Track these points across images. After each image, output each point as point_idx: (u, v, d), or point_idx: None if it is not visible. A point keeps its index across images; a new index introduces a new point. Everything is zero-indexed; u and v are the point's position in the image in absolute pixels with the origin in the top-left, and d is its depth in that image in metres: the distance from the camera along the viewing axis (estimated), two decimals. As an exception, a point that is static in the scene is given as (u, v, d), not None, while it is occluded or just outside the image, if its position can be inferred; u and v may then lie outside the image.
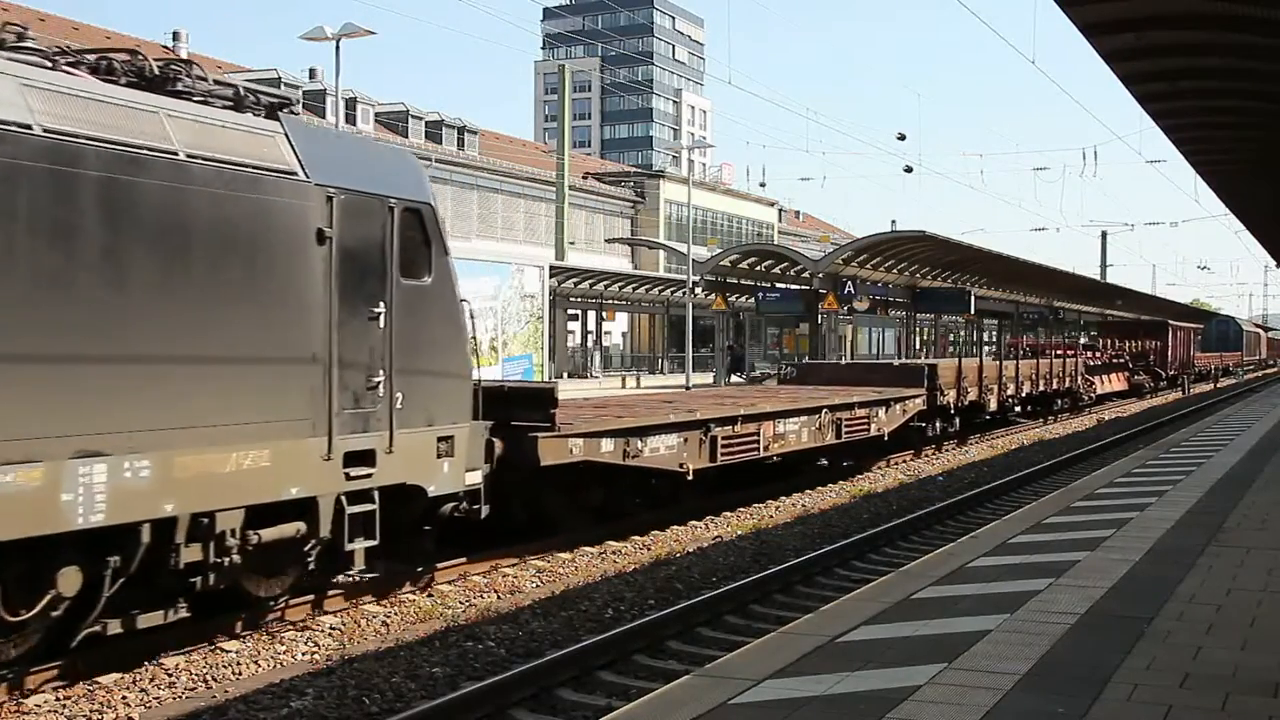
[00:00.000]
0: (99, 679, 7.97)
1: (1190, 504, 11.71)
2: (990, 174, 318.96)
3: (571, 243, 66.46)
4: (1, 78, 7.20)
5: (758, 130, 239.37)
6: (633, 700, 6.05)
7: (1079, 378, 35.33)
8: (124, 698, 7.67)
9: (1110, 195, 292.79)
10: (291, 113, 9.45)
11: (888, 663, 5.94)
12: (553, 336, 41.03)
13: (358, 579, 9.86)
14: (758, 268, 44.65)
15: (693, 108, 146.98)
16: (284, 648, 8.87)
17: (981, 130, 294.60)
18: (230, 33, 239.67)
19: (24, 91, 7.26)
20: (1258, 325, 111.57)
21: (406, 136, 64.91)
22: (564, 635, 9.27)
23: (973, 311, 50.69)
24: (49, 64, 7.92)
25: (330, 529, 9.11)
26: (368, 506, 9.42)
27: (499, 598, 10.71)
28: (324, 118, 56.73)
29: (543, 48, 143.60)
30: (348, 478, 9.22)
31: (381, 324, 9.54)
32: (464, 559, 11.44)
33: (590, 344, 62.50)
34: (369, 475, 9.40)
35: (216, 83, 8.98)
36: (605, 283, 55.03)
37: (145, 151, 7.78)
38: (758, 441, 15.83)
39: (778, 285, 45.91)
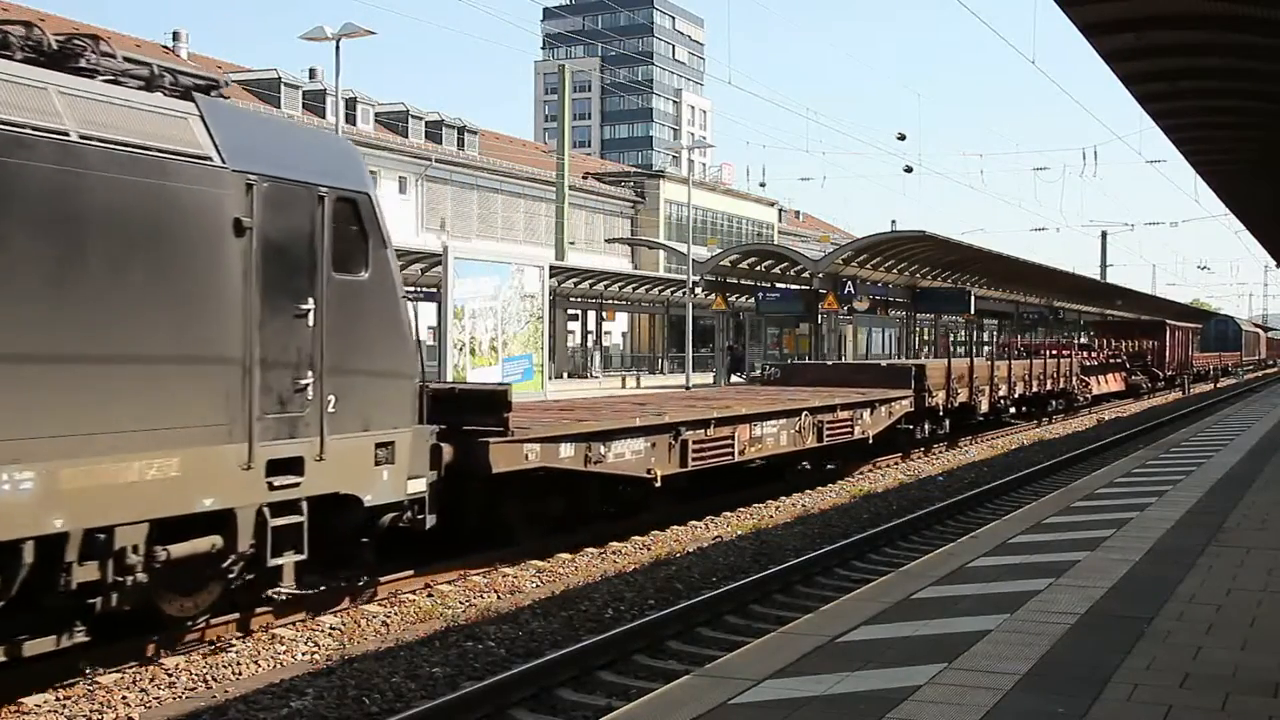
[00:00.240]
0: (99, 679, 7.97)
1: (1190, 504, 11.70)
2: (990, 174, 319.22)
3: (571, 243, 66.45)
4: None
5: (758, 130, 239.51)
6: (633, 700, 6.05)
7: (1074, 378, 34.89)
8: (124, 698, 7.67)
9: (1110, 195, 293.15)
10: (221, 96, 8.85)
11: (888, 663, 5.94)
12: (553, 336, 41.04)
13: (288, 595, 9.20)
14: (758, 268, 44.66)
15: (693, 108, 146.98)
16: (284, 648, 8.87)
17: (981, 130, 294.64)
18: (230, 33, 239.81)
19: None
20: (1257, 325, 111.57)
21: (407, 136, 64.90)
22: (564, 635, 9.27)
23: (973, 311, 50.69)
24: None
25: (252, 543, 8.47)
26: (294, 518, 8.75)
27: (499, 598, 10.70)
28: (324, 118, 56.73)
29: (543, 48, 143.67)
30: (271, 487, 8.54)
31: (311, 322, 8.89)
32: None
33: (590, 344, 62.50)
34: (296, 485, 8.73)
35: (131, 61, 8.30)
36: (605, 283, 55.03)
37: (30, 131, 7.11)
38: (732, 445, 15.25)
39: (778, 285, 45.92)
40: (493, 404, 11.54)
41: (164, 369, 7.86)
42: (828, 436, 17.80)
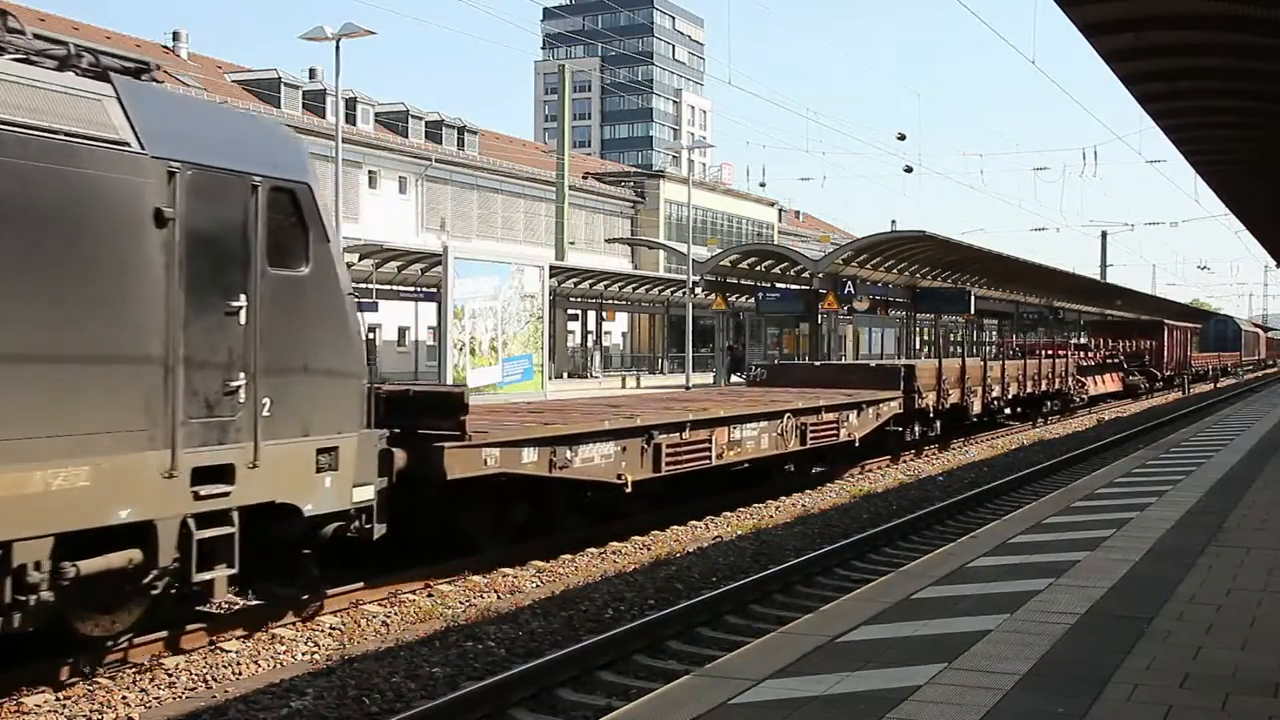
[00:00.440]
0: (99, 679, 7.97)
1: (1190, 504, 11.70)
2: (990, 174, 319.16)
3: (571, 243, 66.47)
4: None
5: (758, 130, 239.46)
6: (633, 700, 6.05)
7: (1069, 379, 34.48)
8: (124, 698, 7.67)
9: (1110, 195, 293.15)
10: (154, 80, 8.38)
11: (888, 663, 5.94)
12: (553, 336, 41.06)
13: (224, 610, 8.87)
14: (758, 268, 44.69)
15: (693, 108, 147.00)
16: (284, 648, 8.87)
17: (981, 130, 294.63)
18: (230, 33, 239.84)
19: None
20: (1257, 325, 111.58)
21: (407, 136, 64.92)
22: (564, 635, 9.27)
23: (973, 311, 50.74)
24: None
25: (176, 557, 7.85)
26: (224, 530, 8.15)
27: (499, 598, 10.70)
28: (324, 117, 56.74)
29: (543, 48, 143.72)
30: (197, 497, 7.94)
31: (243, 319, 8.30)
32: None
33: (590, 344, 62.52)
34: (225, 494, 8.12)
35: (45, 39, 7.84)
36: (605, 283, 55.05)
37: None
38: (709, 449, 14.72)
39: (778, 285, 45.96)
40: (449, 406, 10.96)
41: (73, 370, 7.25)
42: (811, 439, 17.32)
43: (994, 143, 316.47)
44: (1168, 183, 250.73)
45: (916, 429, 22.62)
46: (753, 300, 47.25)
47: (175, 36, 60.64)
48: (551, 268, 30.12)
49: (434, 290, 42.24)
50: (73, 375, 7.26)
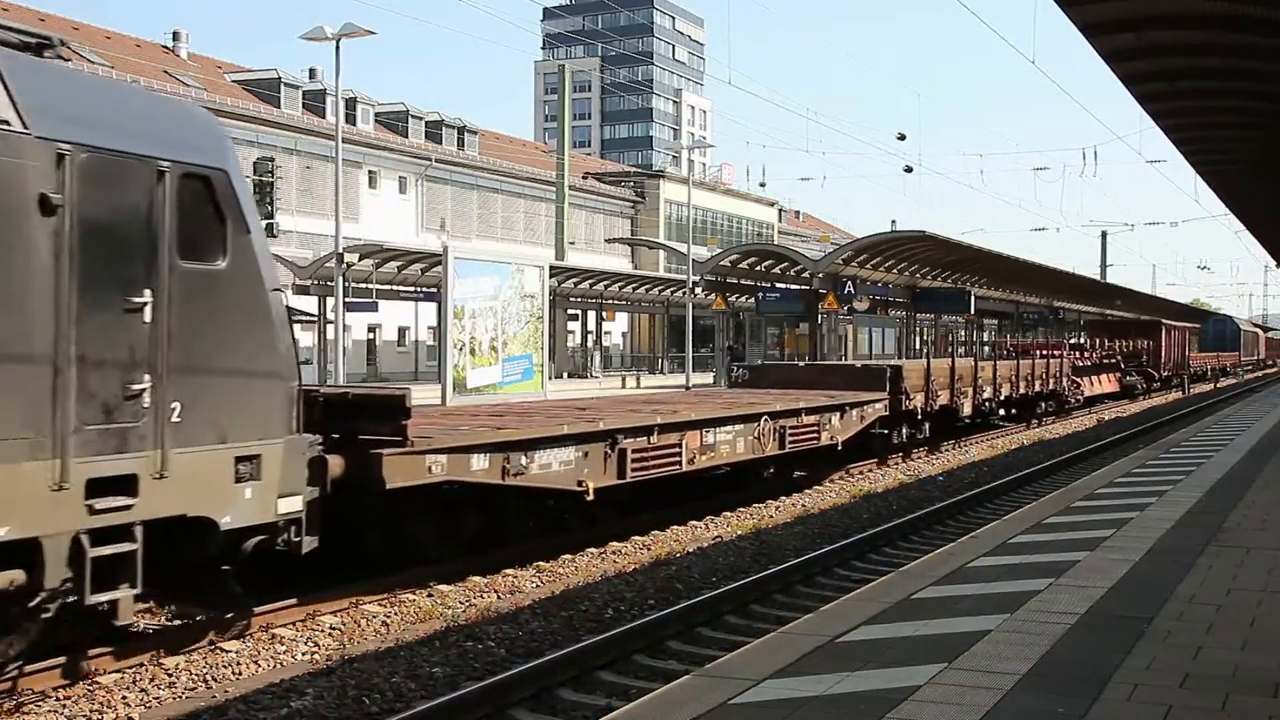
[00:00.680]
0: (99, 679, 7.97)
1: (1190, 504, 11.70)
2: (990, 174, 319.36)
3: (571, 243, 66.49)
4: None
5: (758, 130, 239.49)
6: (633, 700, 6.06)
7: (1064, 379, 34.02)
8: (124, 698, 7.67)
9: (1110, 195, 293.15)
10: (59, 58, 7.90)
11: (888, 663, 5.94)
12: (553, 336, 41.07)
13: (139, 629, 8.39)
14: (758, 268, 44.72)
15: (693, 108, 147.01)
16: (284, 648, 8.87)
17: (981, 130, 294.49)
18: (230, 33, 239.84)
19: None
20: (1256, 325, 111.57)
21: (407, 136, 64.93)
22: (564, 635, 9.28)
23: (973, 311, 50.75)
24: None
25: (68, 576, 7.14)
26: (125, 546, 7.43)
27: (499, 598, 10.70)
28: (324, 118, 56.75)
29: (543, 48, 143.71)
30: (92, 511, 7.22)
31: (148, 316, 7.59)
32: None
33: (590, 344, 62.54)
34: (127, 507, 7.41)
35: None
36: (605, 283, 55.08)
37: None
38: (679, 454, 14.10)
39: (778, 285, 46.00)
40: (389, 410, 10.22)
41: None
42: (790, 443, 16.68)
43: (994, 143, 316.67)
44: (1168, 183, 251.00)
45: (904, 431, 22.12)
46: (753, 300, 47.28)
47: (175, 36, 60.66)
48: (551, 268, 30.13)
49: (434, 290, 42.25)
50: None
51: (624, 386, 43.79)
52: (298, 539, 8.79)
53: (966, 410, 25.32)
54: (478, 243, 62.33)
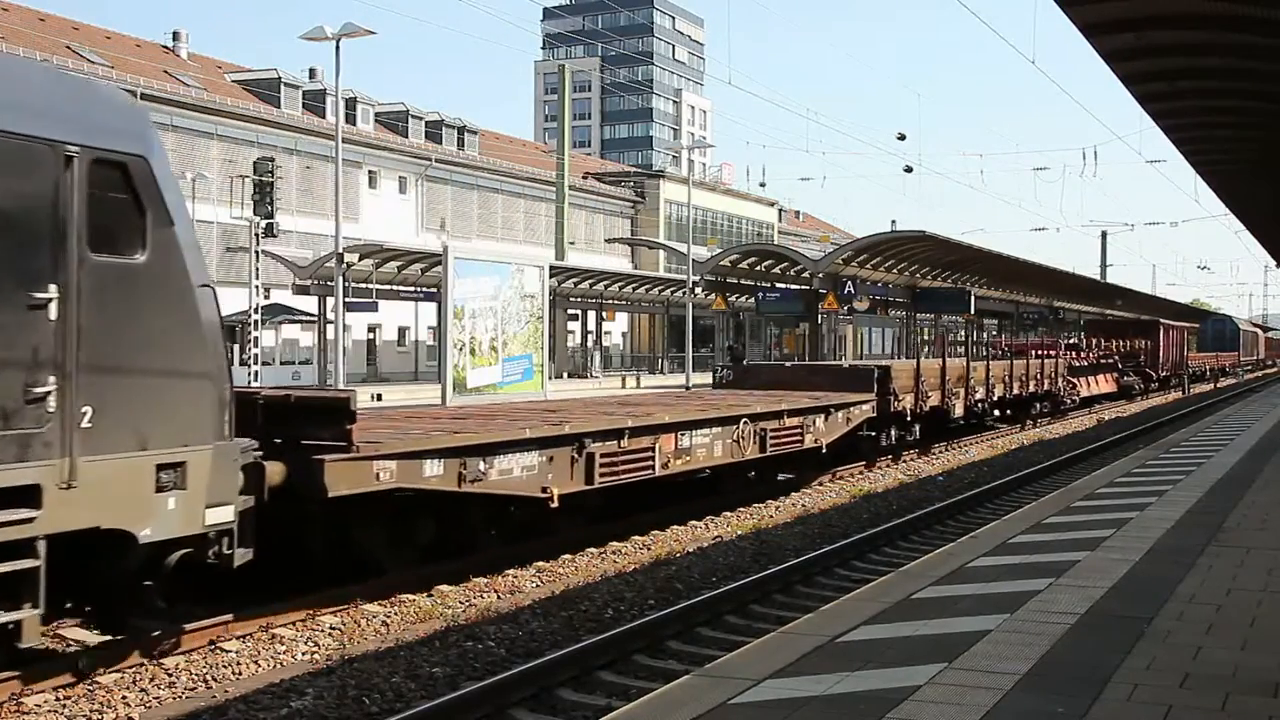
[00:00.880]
0: (99, 679, 7.97)
1: (1190, 504, 11.70)
2: (990, 174, 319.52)
3: (571, 243, 66.54)
4: None
5: (758, 130, 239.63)
6: (633, 700, 6.05)
7: (1059, 379, 33.49)
8: (124, 698, 7.67)
9: (1110, 195, 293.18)
10: None
11: (888, 663, 5.93)
12: (553, 336, 41.10)
13: (67, 649, 8.04)
14: (758, 268, 44.74)
15: (693, 108, 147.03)
16: (284, 648, 8.87)
17: (981, 130, 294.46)
18: (230, 33, 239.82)
19: None
20: (1256, 325, 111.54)
21: (407, 136, 64.94)
22: (564, 635, 9.28)
23: (972, 311, 50.76)
24: None
25: None
26: (27, 563, 6.84)
27: (499, 598, 10.70)
28: (324, 118, 56.75)
29: (543, 48, 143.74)
30: None
31: (53, 314, 6.99)
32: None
33: (590, 344, 62.56)
34: (28, 521, 6.83)
35: None
36: (605, 283, 55.12)
37: None
38: (652, 458, 13.57)
39: (778, 285, 46.02)
40: (333, 413, 9.65)
41: None
42: (772, 446, 16.18)
43: (994, 143, 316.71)
44: (1168, 183, 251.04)
45: (893, 433, 21.68)
46: (753, 300, 47.31)
47: (175, 36, 60.69)
48: (551, 268, 30.14)
49: (434, 290, 42.26)
50: None
51: (624, 386, 43.81)
52: (229, 551, 8.16)
53: (958, 412, 24.88)
54: (478, 243, 62.36)
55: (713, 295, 44.86)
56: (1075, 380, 36.18)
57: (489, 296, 22.24)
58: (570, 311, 58.09)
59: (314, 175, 56.34)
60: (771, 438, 16.24)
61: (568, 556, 12.42)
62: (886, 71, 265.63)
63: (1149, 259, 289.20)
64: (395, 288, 47.18)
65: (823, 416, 17.93)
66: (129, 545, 7.48)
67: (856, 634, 6.59)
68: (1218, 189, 31.45)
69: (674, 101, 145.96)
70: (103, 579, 7.78)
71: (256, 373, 38.23)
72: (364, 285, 43.40)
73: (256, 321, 39.36)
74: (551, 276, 32.03)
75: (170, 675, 8.10)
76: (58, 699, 7.61)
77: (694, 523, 14.76)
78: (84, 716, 7.37)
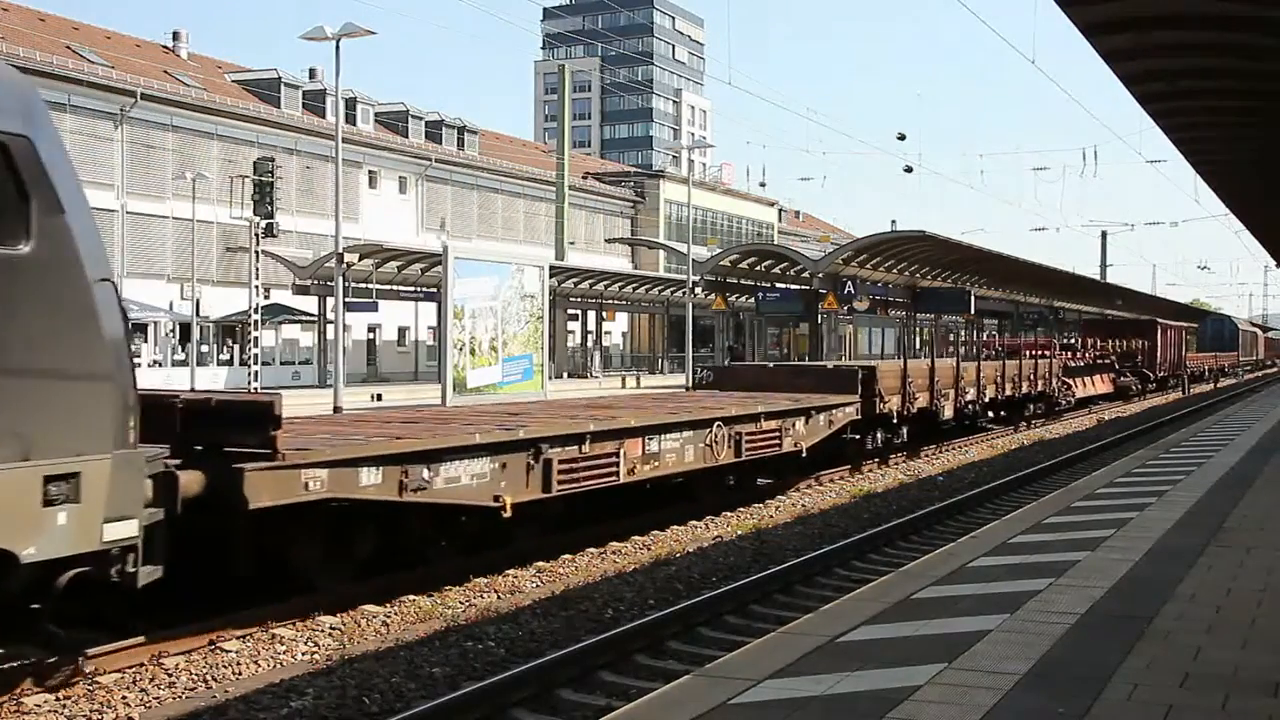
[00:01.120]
0: (99, 679, 7.97)
1: (1190, 504, 11.70)
2: (990, 174, 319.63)
3: (571, 243, 66.56)
4: None
5: (758, 130, 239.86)
6: (633, 700, 6.05)
7: (1054, 380, 33.02)
8: (124, 698, 7.67)
9: (1110, 195, 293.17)
10: None
11: (888, 663, 5.93)
12: (553, 336, 41.10)
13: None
14: (758, 268, 44.77)
15: (693, 108, 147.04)
16: (284, 648, 8.87)
17: (981, 130, 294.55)
18: (230, 33, 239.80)
19: None
20: (1255, 325, 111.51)
21: (407, 136, 64.94)
22: (564, 635, 9.28)
23: (972, 311, 50.77)
24: None
25: None
26: None
27: (499, 598, 10.70)
28: (324, 118, 56.76)
29: (543, 48, 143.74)
30: None
31: None
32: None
33: (590, 344, 62.57)
34: None
35: None
36: (605, 283, 55.16)
37: None
38: (616, 464, 12.98)
39: (778, 285, 46.05)
40: (256, 418, 8.98)
41: None
42: (748, 450, 15.58)
43: (994, 143, 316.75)
44: (1168, 183, 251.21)
45: (879, 436, 21.19)
46: (753, 300, 47.32)
47: (175, 36, 60.71)
48: (551, 268, 30.14)
49: (434, 290, 42.28)
50: None
51: (624, 386, 43.82)
52: (134, 570, 7.26)
53: (948, 413, 24.39)
54: (478, 243, 62.39)
55: (713, 295, 44.88)
56: (1070, 381, 35.88)
57: (489, 296, 22.25)
58: (570, 311, 58.12)
59: (314, 175, 56.35)
60: (748, 442, 15.63)
61: (568, 556, 12.42)
62: (886, 71, 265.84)
63: (1149, 259, 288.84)
64: (395, 288, 47.21)
65: (803, 419, 17.26)
66: (9, 566, 6.58)
67: (856, 634, 6.59)
68: (1218, 189, 31.44)
69: (674, 101, 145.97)
70: None
71: (256, 373, 38.23)
72: (364, 285, 43.43)
73: (256, 322, 39.36)
74: (551, 276, 32.03)
75: (170, 675, 8.10)
76: (58, 699, 7.61)
77: (694, 523, 14.76)
78: (84, 716, 7.37)
